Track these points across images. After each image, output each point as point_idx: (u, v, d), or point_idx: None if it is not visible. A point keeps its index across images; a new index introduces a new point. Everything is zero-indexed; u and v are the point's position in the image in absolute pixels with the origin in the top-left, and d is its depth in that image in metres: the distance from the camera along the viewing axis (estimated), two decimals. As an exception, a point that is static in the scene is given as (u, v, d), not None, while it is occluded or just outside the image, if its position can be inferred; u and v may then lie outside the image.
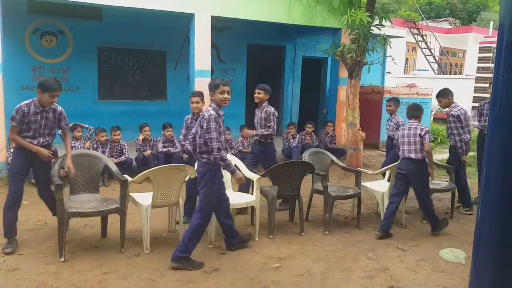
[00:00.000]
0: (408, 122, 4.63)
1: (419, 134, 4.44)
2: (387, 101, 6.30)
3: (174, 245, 3.86)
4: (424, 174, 4.49)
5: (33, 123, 3.70)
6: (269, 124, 5.00)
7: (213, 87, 3.61)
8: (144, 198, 3.98)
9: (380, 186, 5.00)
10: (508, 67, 1.86)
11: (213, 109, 3.56)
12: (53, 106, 3.84)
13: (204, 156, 3.56)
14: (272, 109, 5.08)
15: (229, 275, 3.45)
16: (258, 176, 4.36)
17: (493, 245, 2.01)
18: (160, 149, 6.52)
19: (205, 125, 3.49)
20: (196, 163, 3.73)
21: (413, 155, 4.42)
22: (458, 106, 5.28)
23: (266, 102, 5.10)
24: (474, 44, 18.80)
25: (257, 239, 4.20)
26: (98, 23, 8.31)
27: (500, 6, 1.87)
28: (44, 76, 8.02)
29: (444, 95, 5.30)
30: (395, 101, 6.16)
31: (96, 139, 6.32)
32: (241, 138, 7.51)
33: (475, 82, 13.97)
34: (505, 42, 1.86)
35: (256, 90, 5.11)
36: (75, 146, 5.95)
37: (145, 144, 6.65)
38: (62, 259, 3.51)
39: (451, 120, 5.27)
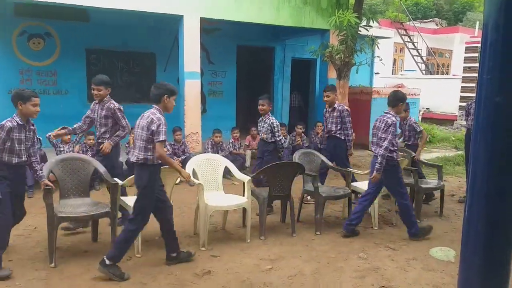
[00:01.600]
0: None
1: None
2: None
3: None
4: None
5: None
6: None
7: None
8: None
9: (370, 186, 5.04)
10: (492, 65, 1.90)
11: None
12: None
13: None
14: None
15: (221, 277, 3.45)
16: (248, 178, 4.37)
17: (480, 244, 2.05)
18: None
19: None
20: None
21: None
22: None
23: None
24: (461, 44, 19.06)
25: (248, 240, 4.21)
26: (85, 25, 8.23)
27: (484, 6, 1.91)
28: (32, 79, 7.98)
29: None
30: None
31: (85, 142, 6.26)
32: (232, 140, 7.51)
33: (462, 82, 14.18)
34: (489, 41, 1.90)
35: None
36: (63, 150, 5.89)
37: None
38: (52, 265, 3.47)
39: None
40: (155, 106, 3.47)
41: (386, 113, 4.39)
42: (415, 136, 5.79)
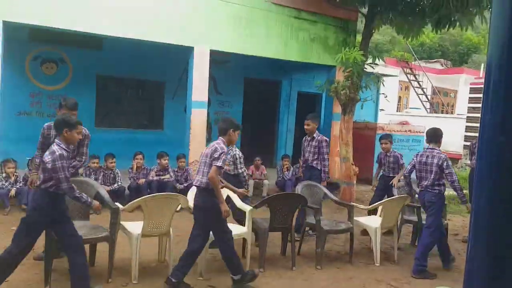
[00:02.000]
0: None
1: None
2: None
3: (163, 276, 3.80)
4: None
5: None
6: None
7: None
8: (134, 226, 3.94)
9: (372, 221, 4.98)
10: (495, 105, 1.93)
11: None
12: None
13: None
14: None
15: (218, 309, 3.36)
16: (250, 207, 4.34)
17: (483, 283, 2.01)
18: (151, 177, 6.50)
19: None
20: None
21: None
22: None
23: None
24: (465, 85, 19.30)
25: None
26: (98, 52, 8.48)
27: (488, 46, 1.97)
28: (42, 102, 8.13)
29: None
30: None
31: (88, 165, 6.31)
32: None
33: (466, 122, 14.23)
34: (492, 81, 1.93)
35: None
36: (68, 173, 5.92)
37: (138, 172, 6.64)
38: (47, 288, 3.42)
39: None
40: (220, 137, 3.86)
41: (433, 148, 4.60)
42: (398, 168, 5.78)
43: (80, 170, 6.12)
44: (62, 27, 6.12)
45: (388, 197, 5.44)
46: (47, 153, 3.27)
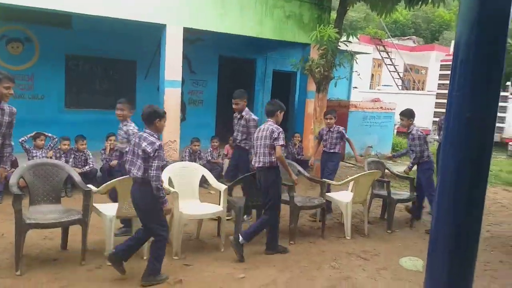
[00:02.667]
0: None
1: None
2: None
3: (137, 257, 3.82)
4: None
5: None
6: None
7: None
8: (108, 208, 3.92)
9: (344, 197, 5.13)
10: (462, 81, 2.00)
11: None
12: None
13: None
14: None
15: (193, 286, 3.43)
16: (225, 186, 4.38)
17: (446, 254, 2.11)
18: (124, 159, 6.41)
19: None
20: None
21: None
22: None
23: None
24: (436, 61, 19.72)
25: (222, 250, 4.21)
26: (67, 31, 8.15)
27: (457, 23, 2.01)
28: (6, 83, 7.80)
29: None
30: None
31: (59, 147, 6.16)
32: (211, 149, 7.52)
33: (436, 98, 14.64)
34: (460, 58, 1.99)
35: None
36: (36, 156, 5.78)
37: (111, 154, 6.53)
38: (18, 273, 3.38)
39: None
40: (269, 119, 4.20)
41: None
42: (340, 144, 5.79)
43: (50, 153, 5.98)
44: (28, 4, 5.83)
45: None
46: (146, 143, 3.32)
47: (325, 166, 5.80)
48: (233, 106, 5.29)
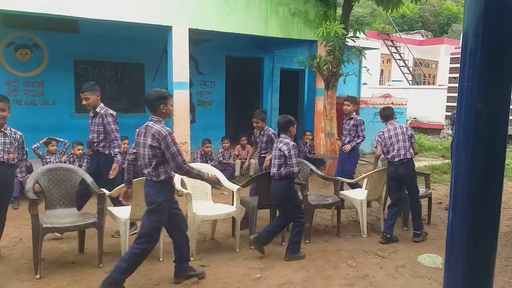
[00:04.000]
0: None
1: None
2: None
3: (154, 258, 3.83)
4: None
5: None
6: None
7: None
8: (122, 211, 3.93)
9: (358, 194, 5.08)
10: (472, 73, 1.95)
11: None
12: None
13: None
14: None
15: (210, 287, 3.42)
16: (238, 187, 4.37)
17: (465, 250, 2.07)
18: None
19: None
20: None
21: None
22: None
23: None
24: (446, 55, 19.47)
25: (238, 250, 4.19)
26: (74, 36, 8.22)
27: (464, 15, 1.97)
28: (18, 90, 7.91)
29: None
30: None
31: (72, 152, 6.21)
32: (222, 150, 7.51)
33: (448, 92, 14.44)
34: (469, 49, 1.95)
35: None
36: (50, 161, 5.83)
37: (123, 157, 6.55)
38: (37, 276, 3.41)
39: None
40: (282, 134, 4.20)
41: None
42: (271, 149, 5.52)
43: (64, 158, 6.03)
44: (35, 11, 5.88)
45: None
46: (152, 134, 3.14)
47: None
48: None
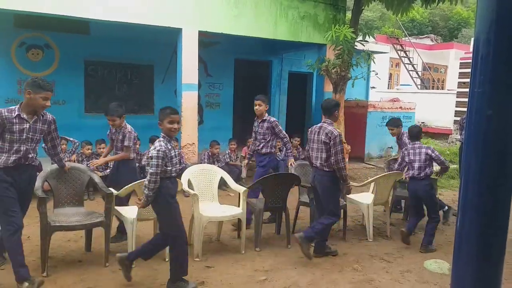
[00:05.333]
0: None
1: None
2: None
3: (160, 258, 3.85)
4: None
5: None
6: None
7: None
8: (129, 211, 3.96)
9: (365, 198, 5.06)
10: (483, 79, 1.94)
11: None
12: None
13: None
14: (273, 119, 5.17)
15: (215, 288, 3.43)
16: (244, 188, 4.38)
17: (472, 256, 2.06)
18: (143, 162, 6.49)
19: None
20: None
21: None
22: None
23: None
24: (455, 60, 19.34)
25: (243, 251, 4.20)
26: (85, 37, 8.32)
27: (475, 21, 1.96)
28: (29, 89, 8.00)
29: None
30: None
31: (82, 151, 6.28)
32: (229, 151, 7.53)
33: (457, 97, 14.33)
34: (480, 55, 1.94)
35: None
36: (60, 160, 5.89)
37: (139, 158, 6.61)
38: (44, 274, 3.45)
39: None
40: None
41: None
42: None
43: (73, 157, 6.10)
44: (47, 11, 5.97)
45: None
46: None
47: None
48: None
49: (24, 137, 3.29)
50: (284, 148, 6.47)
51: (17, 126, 3.24)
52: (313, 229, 4.04)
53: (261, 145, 5.09)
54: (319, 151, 4.08)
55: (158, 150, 3.14)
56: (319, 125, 4.19)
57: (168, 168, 3.21)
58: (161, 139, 3.26)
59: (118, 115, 4.41)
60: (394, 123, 5.75)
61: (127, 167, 4.43)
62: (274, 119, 5.15)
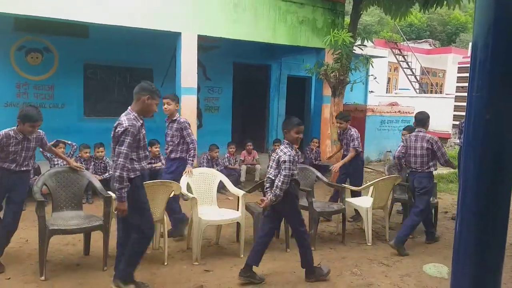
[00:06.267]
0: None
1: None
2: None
3: (158, 262, 3.85)
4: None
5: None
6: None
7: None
8: (363, 201, 4.00)
9: (364, 202, 5.06)
10: (481, 83, 1.95)
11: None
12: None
13: None
14: (183, 120, 4.73)
15: (214, 292, 3.42)
16: (243, 192, 4.38)
17: (471, 261, 2.05)
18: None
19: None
20: None
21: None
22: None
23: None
24: (454, 64, 19.40)
25: (242, 256, 4.18)
26: (84, 40, 8.33)
27: (474, 26, 1.98)
28: (28, 93, 8.01)
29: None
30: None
31: (80, 155, 6.27)
32: (228, 155, 7.53)
33: (455, 101, 14.36)
34: (478, 59, 1.95)
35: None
36: (58, 164, 5.88)
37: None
38: (42, 278, 3.44)
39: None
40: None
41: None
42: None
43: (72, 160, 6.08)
44: (46, 15, 5.98)
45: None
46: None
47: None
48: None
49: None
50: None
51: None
52: (406, 227, 4.51)
53: (170, 149, 4.64)
54: (419, 157, 4.58)
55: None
56: (414, 134, 4.70)
57: (295, 172, 3.54)
58: (286, 145, 3.59)
59: None
60: (343, 117, 5.83)
61: None
62: (185, 119, 4.71)
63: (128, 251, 3.26)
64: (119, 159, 3.03)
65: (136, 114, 3.31)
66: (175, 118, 4.66)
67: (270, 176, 3.66)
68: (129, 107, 3.36)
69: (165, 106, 4.62)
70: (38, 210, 3.48)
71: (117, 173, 3.01)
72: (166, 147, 4.73)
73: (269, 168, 3.74)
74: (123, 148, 3.05)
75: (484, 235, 1.99)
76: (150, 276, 3.63)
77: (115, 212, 3.20)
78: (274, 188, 3.50)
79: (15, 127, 3.70)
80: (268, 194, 3.62)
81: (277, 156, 3.58)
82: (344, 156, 5.81)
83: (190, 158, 4.61)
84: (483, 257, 2.01)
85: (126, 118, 3.20)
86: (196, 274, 3.72)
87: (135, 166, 3.21)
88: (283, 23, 7.87)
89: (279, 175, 3.49)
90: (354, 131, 5.68)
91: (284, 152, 3.51)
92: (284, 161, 3.47)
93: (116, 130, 3.14)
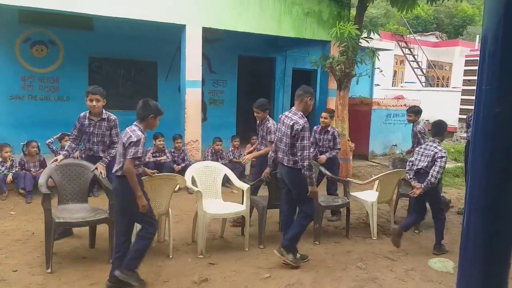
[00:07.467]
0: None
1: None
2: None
3: (164, 255, 3.86)
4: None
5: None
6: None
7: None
8: (367, 195, 4.02)
9: (369, 196, 5.04)
10: (491, 76, 1.92)
11: None
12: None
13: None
14: (113, 116, 4.56)
15: (219, 285, 3.43)
16: (248, 186, 4.37)
17: (478, 255, 2.04)
18: (148, 159, 6.49)
19: None
20: None
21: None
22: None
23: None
24: (461, 57, 19.20)
25: (247, 249, 4.20)
26: (89, 33, 8.32)
27: (483, 18, 1.94)
28: (33, 85, 8.02)
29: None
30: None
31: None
32: (232, 148, 7.52)
33: (462, 95, 14.23)
34: (487, 52, 1.92)
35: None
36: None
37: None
38: (49, 270, 3.46)
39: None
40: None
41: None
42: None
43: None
44: (51, 7, 5.96)
45: None
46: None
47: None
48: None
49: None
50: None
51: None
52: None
53: (99, 148, 4.42)
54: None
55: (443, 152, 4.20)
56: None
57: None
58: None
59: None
60: (260, 106, 5.27)
61: None
62: (115, 117, 4.47)
63: (134, 246, 3.28)
64: (304, 152, 3.69)
65: None
66: (104, 116, 4.44)
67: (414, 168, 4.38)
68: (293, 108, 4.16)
69: (94, 103, 4.28)
70: (44, 203, 3.50)
71: (306, 163, 3.66)
72: (96, 147, 4.45)
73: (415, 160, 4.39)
74: (306, 142, 3.75)
75: (492, 229, 1.97)
76: (155, 268, 3.65)
77: None
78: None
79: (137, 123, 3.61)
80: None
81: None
82: (258, 150, 5.09)
83: (107, 154, 4.32)
84: (491, 251, 1.99)
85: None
86: (201, 267, 3.73)
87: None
88: (288, 15, 7.81)
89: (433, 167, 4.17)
90: (271, 124, 4.96)
91: (439, 149, 4.18)
92: (441, 157, 4.14)
93: (296, 128, 3.95)
